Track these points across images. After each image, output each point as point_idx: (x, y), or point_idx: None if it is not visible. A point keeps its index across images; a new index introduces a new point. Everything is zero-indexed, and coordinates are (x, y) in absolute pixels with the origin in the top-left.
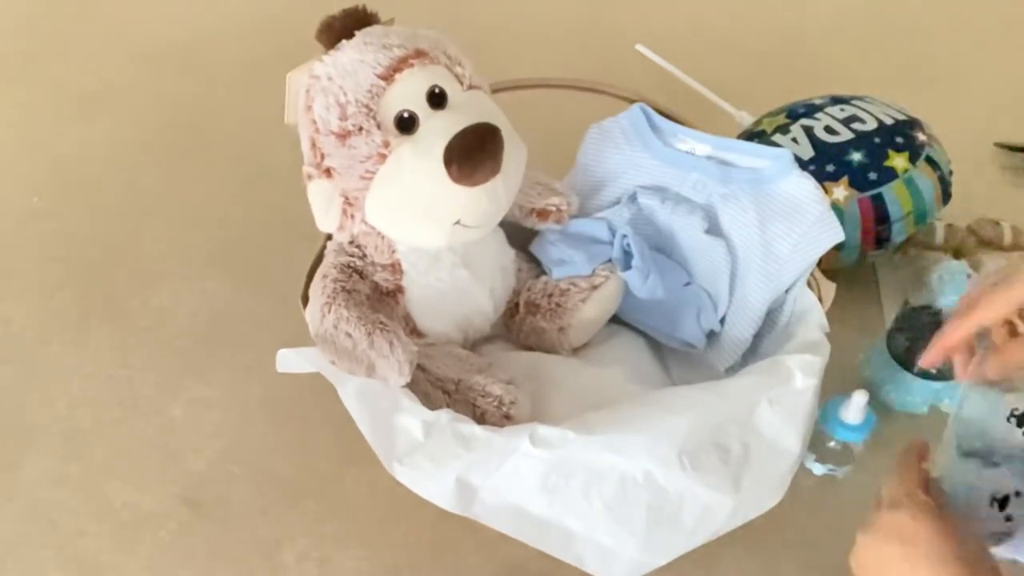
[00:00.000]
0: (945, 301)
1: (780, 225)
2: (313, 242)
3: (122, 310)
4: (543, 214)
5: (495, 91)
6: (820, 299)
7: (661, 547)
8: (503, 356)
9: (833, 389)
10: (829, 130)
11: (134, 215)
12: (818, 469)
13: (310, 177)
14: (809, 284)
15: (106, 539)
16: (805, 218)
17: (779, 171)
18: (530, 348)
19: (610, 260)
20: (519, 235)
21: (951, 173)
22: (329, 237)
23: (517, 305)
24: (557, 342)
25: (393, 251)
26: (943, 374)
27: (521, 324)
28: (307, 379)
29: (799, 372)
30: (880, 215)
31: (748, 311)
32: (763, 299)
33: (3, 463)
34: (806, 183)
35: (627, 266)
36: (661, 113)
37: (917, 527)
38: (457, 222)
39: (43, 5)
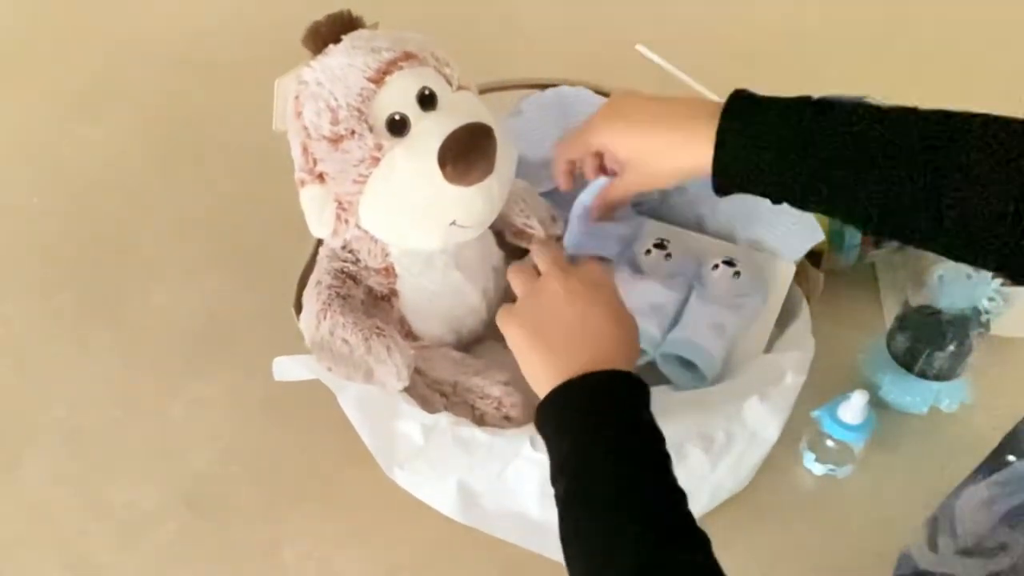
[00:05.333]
0: (945, 301)
1: (760, 228)
2: (312, 243)
3: (122, 310)
4: (520, 234)
5: (494, 91)
6: (808, 290)
7: None
8: (498, 356)
9: (833, 389)
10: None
11: (134, 215)
12: (818, 469)
13: (303, 183)
14: (797, 276)
15: (106, 539)
16: (784, 220)
17: None
18: None
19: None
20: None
21: None
22: (320, 243)
23: (514, 300)
24: None
25: (386, 255)
26: (943, 374)
27: None
28: (307, 380)
29: (791, 370)
30: None
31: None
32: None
33: (3, 463)
34: None
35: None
36: None
37: (605, 276)
38: (453, 222)
39: (43, 5)
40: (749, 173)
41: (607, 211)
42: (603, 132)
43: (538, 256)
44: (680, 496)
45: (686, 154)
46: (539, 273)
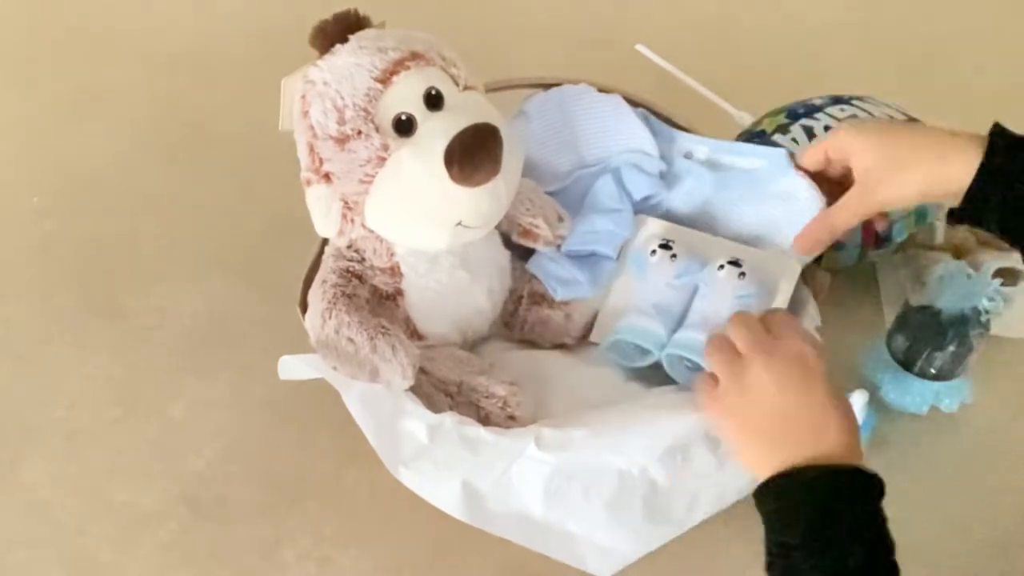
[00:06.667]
0: (945, 301)
1: (777, 224)
2: (313, 242)
3: (122, 310)
4: (526, 233)
5: (494, 91)
6: (815, 290)
7: (652, 537)
8: (503, 356)
9: None
10: (829, 130)
11: (134, 215)
12: None
13: (309, 182)
14: (804, 275)
15: (106, 539)
16: (802, 216)
17: (774, 170)
18: (532, 341)
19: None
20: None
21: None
22: (326, 242)
23: (520, 298)
24: (563, 330)
25: (392, 254)
26: (943, 374)
27: (526, 316)
28: (308, 379)
29: None
30: (880, 215)
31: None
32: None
33: (3, 463)
34: (802, 182)
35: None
36: (660, 116)
37: (812, 353)
38: (459, 223)
39: (43, 5)
40: (997, 211)
41: (820, 243)
42: (848, 134)
43: (736, 334)
44: None
45: (939, 172)
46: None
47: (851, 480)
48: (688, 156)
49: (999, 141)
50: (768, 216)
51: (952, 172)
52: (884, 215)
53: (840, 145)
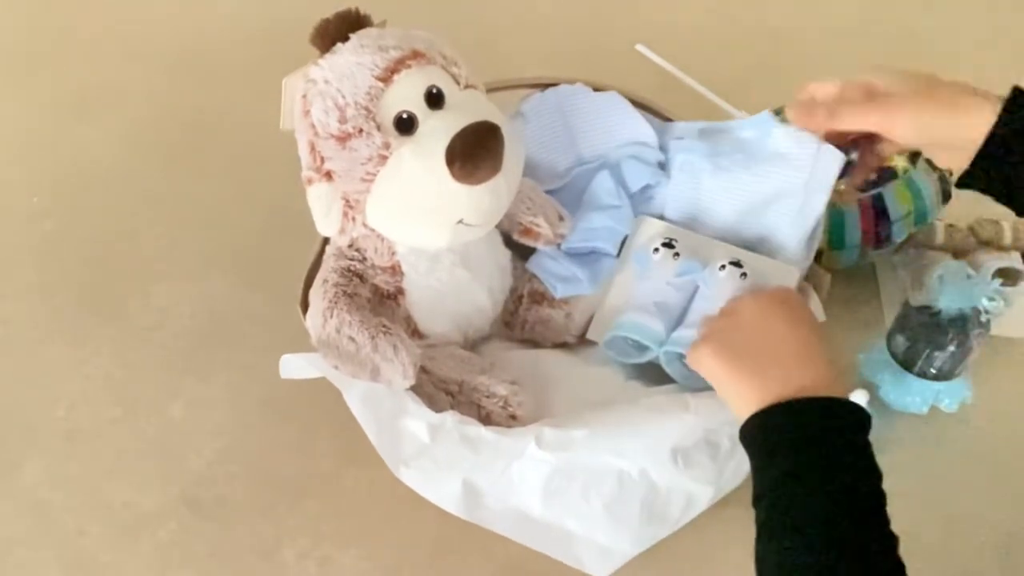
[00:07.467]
0: (945, 301)
1: (786, 172)
2: (313, 242)
3: (122, 310)
4: (527, 232)
5: (494, 91)
6: (816, 290)
7: (646, 537)
8: (503, 355)
9: None
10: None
11: (134, 215)
12: None
13: (310, 181)
14: (804, 276)
15: (106, 539)
16: (804, 158)
17: (763, 131)
18: (533, 340)
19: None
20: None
21: (951, 173)
22: (327, 241)
23: (520, 298)
24: (563, 328)
25: (393, 253)
26: (943, 374)
27: (526, 315)
28: (308, 379)
29: None
30: (880, 215)
31: (788, 251)
32: (796, 236)
33: (3, 463)
34: (789, 130)
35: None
36: (653, 111)
37: (797, 296)
38: (460, 221)
39: (43, 5)
40: (1008, 176)
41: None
42: (881, 69)
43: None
44: (893, 541)
45: (953, 117)
46: None
47: (839, 411)
48: (680, 139)
49: (1018, 99)
50: (766, 178)
51: (966, 121)
52: (884, 219)
53: (873, 77)
